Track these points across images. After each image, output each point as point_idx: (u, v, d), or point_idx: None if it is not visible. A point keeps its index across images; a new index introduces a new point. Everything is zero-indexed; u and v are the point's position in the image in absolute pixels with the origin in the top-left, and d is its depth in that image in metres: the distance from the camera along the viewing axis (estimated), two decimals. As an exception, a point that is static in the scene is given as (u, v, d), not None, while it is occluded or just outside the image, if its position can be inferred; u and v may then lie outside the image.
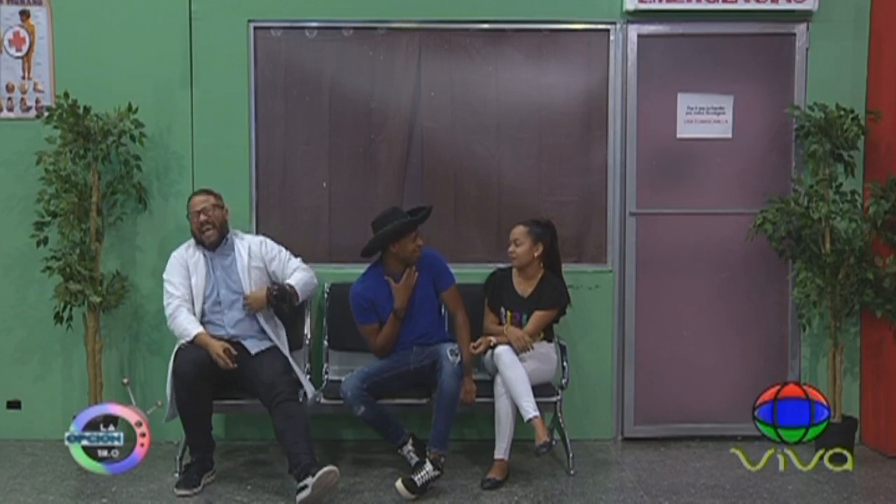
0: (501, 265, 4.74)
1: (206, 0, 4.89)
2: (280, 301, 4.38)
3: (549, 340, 4.65)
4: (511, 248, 4.57)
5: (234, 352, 4.23)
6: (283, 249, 4.60)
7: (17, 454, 4.76)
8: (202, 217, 4.43)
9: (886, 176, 4.75)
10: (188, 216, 4.50)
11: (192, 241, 4.52)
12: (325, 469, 3.93)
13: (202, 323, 4.35)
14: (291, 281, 4.47)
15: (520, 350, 4.40)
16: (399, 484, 4.09)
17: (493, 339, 4.46)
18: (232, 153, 4.94)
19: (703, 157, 5.06)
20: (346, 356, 4.80)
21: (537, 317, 4.53)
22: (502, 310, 4.62)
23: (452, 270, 4.58)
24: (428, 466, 4.15)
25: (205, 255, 4.46)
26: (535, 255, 4.56)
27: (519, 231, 4.58)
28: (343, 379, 4.42)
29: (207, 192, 4.54)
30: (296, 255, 4.60)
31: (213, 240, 4.45)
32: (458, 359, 4.29)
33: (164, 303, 4.41)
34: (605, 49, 5.00)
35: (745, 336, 5.10)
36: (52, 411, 4.93)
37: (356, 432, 4.93)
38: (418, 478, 4.11)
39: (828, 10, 4.93)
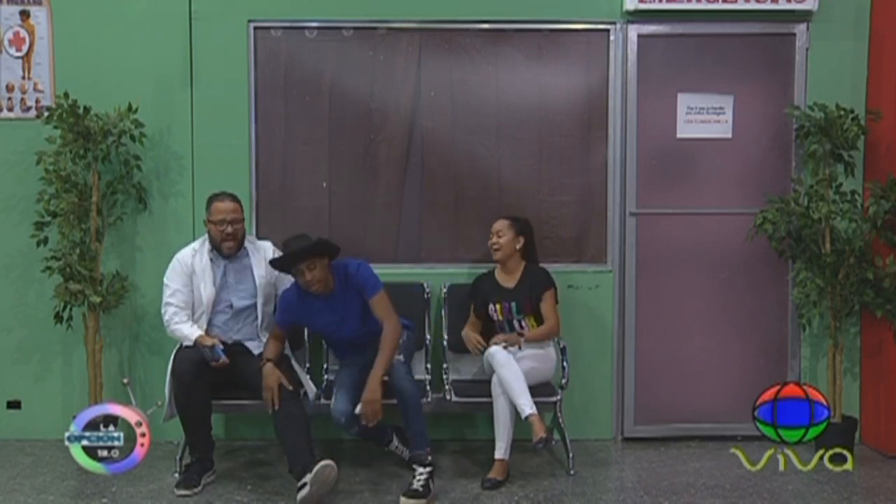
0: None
1: (206, 0, 4.90)
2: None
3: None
4: (494, 240, 4.60)
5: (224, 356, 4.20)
6: None
7: (17, 454, 4.76)
8: (229, 229, 4.33)
9: (886, 176, 4.74)
10: (207, 219, 4.40)
11: (199, 244, 4.43)
12: (323, 463, 3.91)
13: (209, 326, 4.35)
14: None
15: (512, 343, 4.39)
16: (403, 499, 4.04)
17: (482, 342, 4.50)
18: (232, 153, 4.94)
19: (703, 157, 5.06)
20: (345, 356, 4.78)
21: (545, 305, 4.54)
22: (491, 307, 4.61)
23: (377, 275, 4.28)
24: (418, 469, 4.13)
25: (213, 261, 4.40)
26: (517, 247, 4.61)
27: (502, 223, 4.63)
28: (331, 404, 4.21)
29: (234, 199, 4.42)
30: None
31: (232, 252, 4.39)
32: (402, 358, 4.22)
33: (162, 308, 4.39)
34: (605, 49, 5.00)
35: (745, 336, 5.09)
36: (52, 411, 4.93)
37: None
38: (416, 483, 4.09)
39: (828, 10, 4.93)
